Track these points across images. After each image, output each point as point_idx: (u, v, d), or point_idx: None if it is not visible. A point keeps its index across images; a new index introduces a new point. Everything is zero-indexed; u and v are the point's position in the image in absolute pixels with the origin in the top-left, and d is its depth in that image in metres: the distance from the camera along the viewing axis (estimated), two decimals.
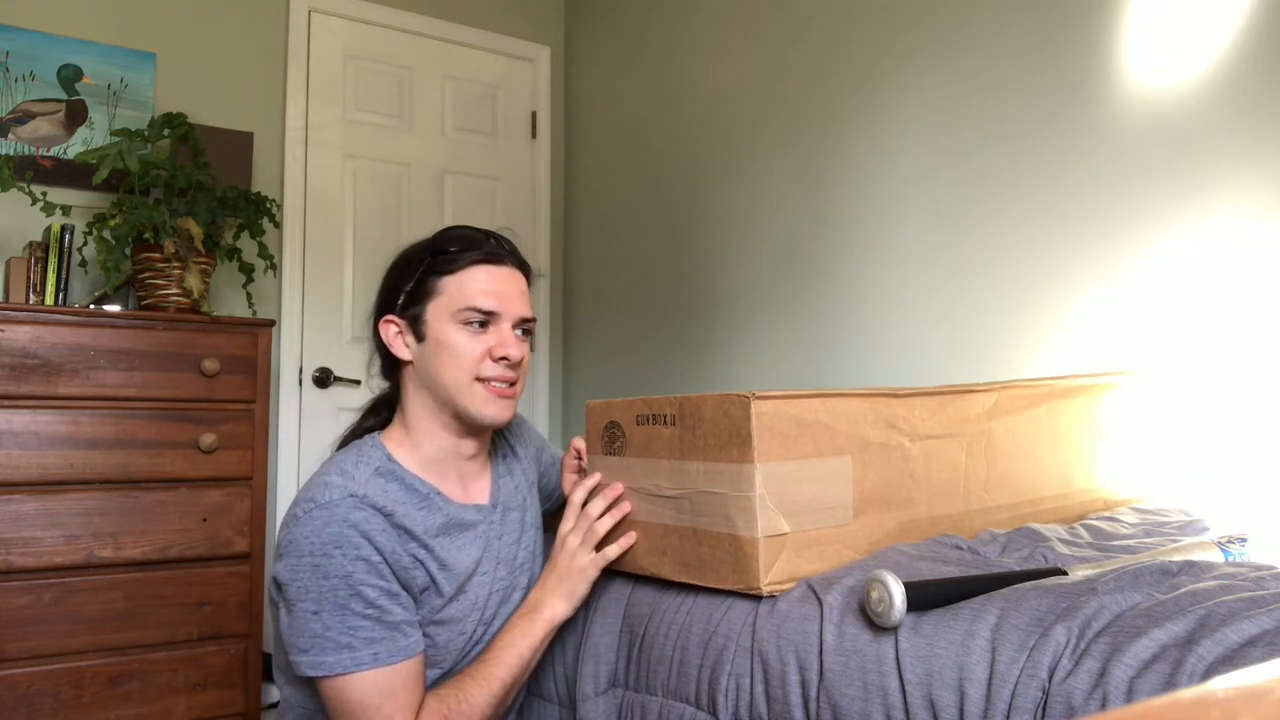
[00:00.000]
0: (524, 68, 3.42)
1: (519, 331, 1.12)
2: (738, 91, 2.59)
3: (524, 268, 1.15)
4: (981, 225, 1.91)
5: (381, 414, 1.18)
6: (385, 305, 1.13)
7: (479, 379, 1.08)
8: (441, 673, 1.08)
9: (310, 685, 1.02)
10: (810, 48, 2.36)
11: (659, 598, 1.08)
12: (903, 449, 1.07)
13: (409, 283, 1.11)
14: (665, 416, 1.04)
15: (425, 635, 1.05)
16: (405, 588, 1.02)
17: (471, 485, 1.16)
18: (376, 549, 0.98)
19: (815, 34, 2.34)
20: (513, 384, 1.11)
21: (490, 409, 1.09)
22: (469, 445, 1.13)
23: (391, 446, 1.10)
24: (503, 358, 1.08)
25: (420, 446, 1.11)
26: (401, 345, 1.11)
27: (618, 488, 1.12)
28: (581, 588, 1.10)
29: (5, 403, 2.00)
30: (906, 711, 0.80)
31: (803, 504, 0.97)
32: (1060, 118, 1.77)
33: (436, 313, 1.08)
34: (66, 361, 2.06)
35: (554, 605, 1.09)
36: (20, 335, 2.02)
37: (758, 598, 0.96)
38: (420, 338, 1.10)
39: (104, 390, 2.09)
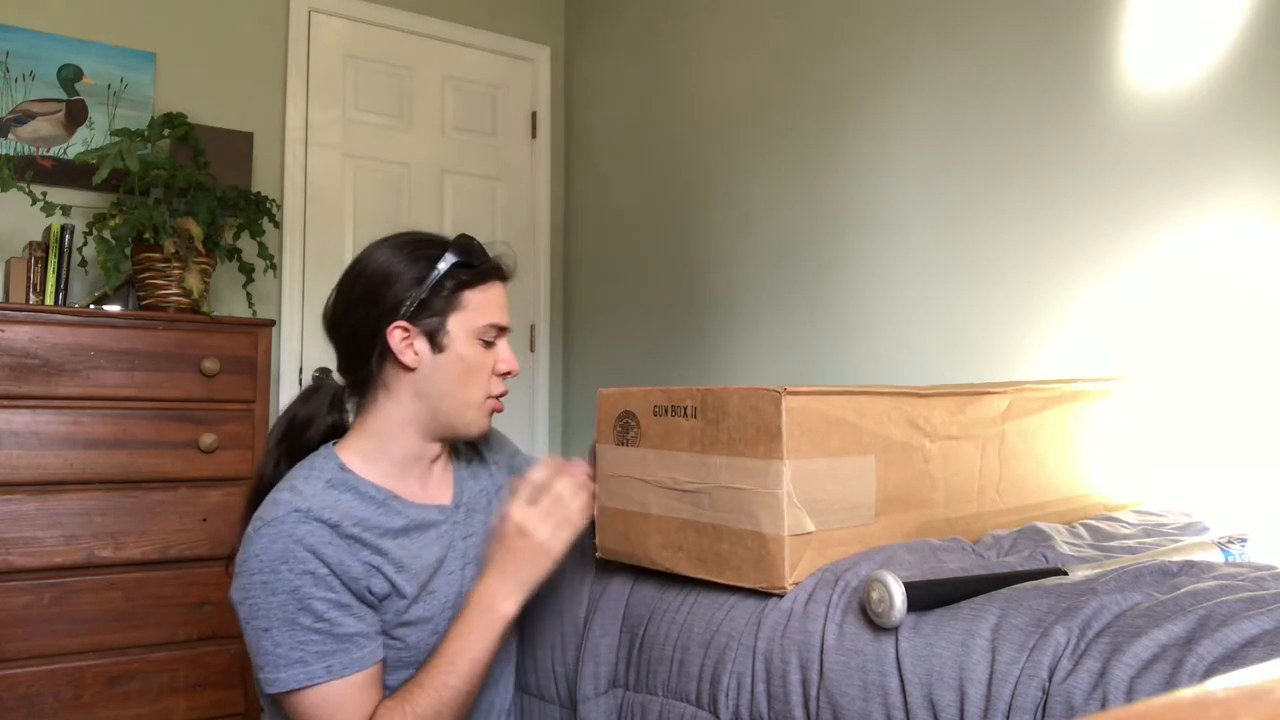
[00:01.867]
0: (524, 68, 3.42)
1: None
2: (737, 91, 2.60)
3: None
4: (981, 225, 1.92)
5: (333, 413, 1.15)
6: (390, 309, 1.05)
7: (488, 395, 1.10)
8: (412, 674, 1.06)
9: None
10: (810, 47, 2.36)
11: (659, 598, 1.07)
12: (923, 449, 1.06)
13: (423, 290, 1.05)
14: (686, 408, 1.02)
15: (394, 638, 1.04)
16: (360, 598, 1.00)
17: (433, 486, 1.14)
18: (323, 561, 0.97)
19: (815, 33, 2.34)
20: None
21: (487, 424, 1.12)
22: (435, 448, 1.13)
23: (347, 456, 1.08)
24: (507, 373, 1.10)
25: (386, 453, 1.09)
26: (411, 353, 1.06)
27: (583, 466, 1.11)
28: (545, 567, 1.06)
29: (5, 403, 2.00)
30: (906, 711, 0.80)
31: (828, 503, 0.96)
32: (1060, 117, 1.77)
33: (461, 326, 1.07)
34: (66, 361, 2.06)
35: (510, 599, 1.04)
36: (20, 335, 2.02)
37: (761, 597, 0.96)
38: (439, 349, 1.06)
39: (104, 390, 2.09)
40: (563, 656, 1.16)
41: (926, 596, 0.83)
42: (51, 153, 2.53)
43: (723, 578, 0.99)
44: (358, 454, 1.08)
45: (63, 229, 2.26)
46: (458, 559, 1.12)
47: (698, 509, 1.01)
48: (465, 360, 1.07)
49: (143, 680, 2.08)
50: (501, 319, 1.10)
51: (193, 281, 2.25)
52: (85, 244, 2.30)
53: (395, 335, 1.05)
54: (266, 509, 1.00)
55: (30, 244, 2.27)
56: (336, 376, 1.15)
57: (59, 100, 2.55)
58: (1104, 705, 0.69)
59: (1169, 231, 1.59)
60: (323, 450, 1.09)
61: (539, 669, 1.19)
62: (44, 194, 2.26)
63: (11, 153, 2.46)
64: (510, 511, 1.07)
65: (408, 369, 1.06)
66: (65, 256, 2.26)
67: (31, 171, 2.42)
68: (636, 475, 1.09)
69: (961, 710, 0.77)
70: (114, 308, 2.28)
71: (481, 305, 1.08)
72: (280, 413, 1.17)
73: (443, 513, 1.13)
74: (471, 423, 1.10)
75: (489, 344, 1.09)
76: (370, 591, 1.01)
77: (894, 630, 0.83)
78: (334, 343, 1.12)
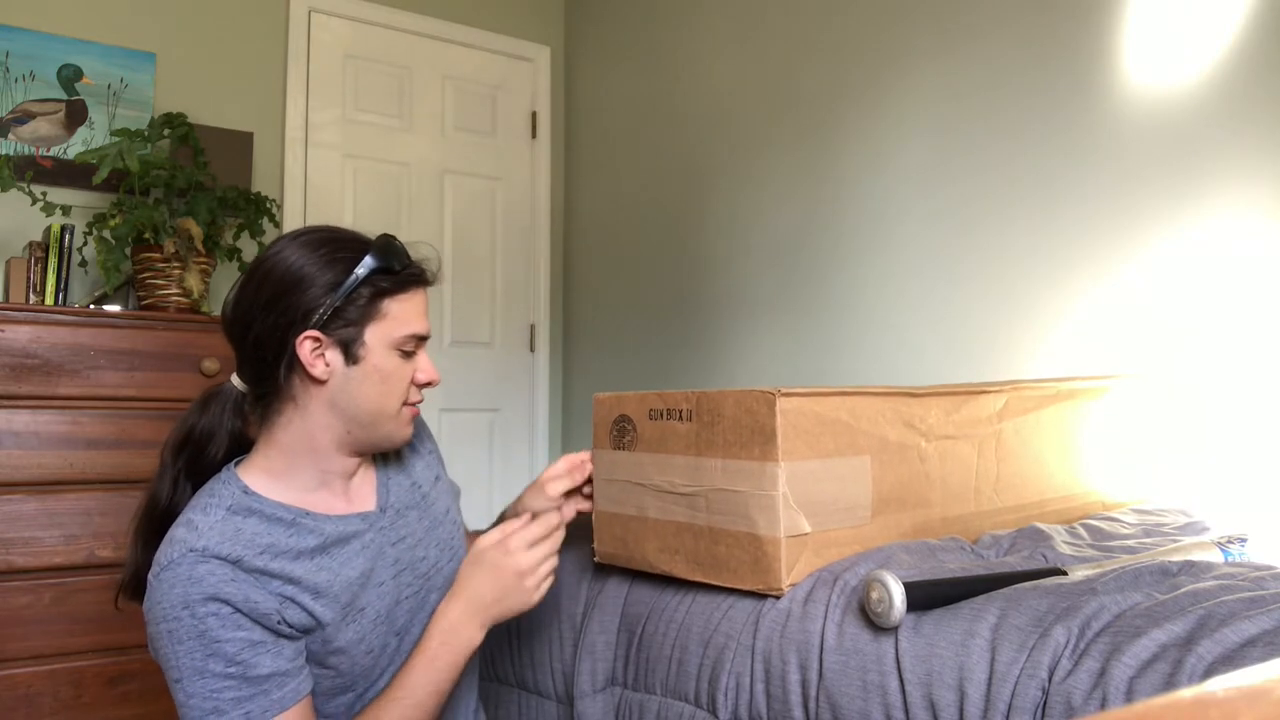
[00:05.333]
0: (524, 68, 3.42)
1: None
2: (737, 91, 2.59)
3: None
4: (981, 224, 1.92)
5: (235, 422, 1.05)
6: (300, 317, 0.96)
7: (404, 404, 1.03)
8: (355, 695, 1.01)
9: None
10: (810, 47, 2.36)
11: (657, 597, 1.07)
12: (919, 449, 1.06)
13: (338, 298, 0.97)
14: (681, 411, 1.03)
15: (327, 667, 0.98)
16: (275, 633, 0.93)
17: (355, 495, 1.06)
18: (226, 602, 0.90)
19: (815, 33, 2.34)
20: None
21: (409, 431, 1.05)
22: (353, 462, 1.05)
23: (251, 477, 0.99)
24: (427, 383, 1.04)
25: (297, 470, 1.00)
26: (322, 365, 0.97)
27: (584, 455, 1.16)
28: (517, 601, 1.02)
29: (5, 403, 2.00)
30: (906, 711, 0.80)
31: (824, 504, 0.96)
32: (1060, 117, 1.77)
33: (379, 337, 0.99)
34: (66, 361, 2.06)
35: (478, 628, 1.02)
36: (20, 335, 2.02)
37: (760, 596, 0.96)
38: (354, 360, 0.98)
39: (104, 390, 2.09)
40: (560, 653, 1.16)
41: (926, 596, 0.83)
42: (51, 153, 2.53)
43: (720, 580, 0.99)
44: (264, 473, 1.00)
45: (63, 229, 2.26)
46: (388, 568, 1.04)
47: (694, 512, 1.01)
48: (382, 372, 0.99)
49: (143, 680, 2.08)
50: (422, 329, 1.02)
51: (193, 281, 2.25)
52: (85, 244, 2.29)
53: (305, 346, 0.96)
54: (164, 550, 0.92)
55: (30, 244, 2.27)
56: (236, 381, 1.04)
57: (59, 100, 2.54)
58: (1104, 705, 0.69)
59: (1168, 230, 1.59)
60: (224, 474, 1.00)
61: (536, 665, 1.19)
62: (44, 194, 2.26)
63: (11, 153, 2.46)
64: (519, 536, 1.03)
65: (318, 381, 0.98)
66: (65, 256, 2.26)
67: (31, 171, 2.42)
68: (633, 479, 1.09)
69: (961, 710, 0.77)
70: (114, 308, 2.28)
71: (401, 315, 1.00)
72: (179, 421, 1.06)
73: (366, 520, 1.04)
74: (391, 433, 1.03)
75: (408, 354, 1.02)
76: (287, 624, 0.94)
77: (893, 630, 0.83)
78: (235, 348, 1.03)
